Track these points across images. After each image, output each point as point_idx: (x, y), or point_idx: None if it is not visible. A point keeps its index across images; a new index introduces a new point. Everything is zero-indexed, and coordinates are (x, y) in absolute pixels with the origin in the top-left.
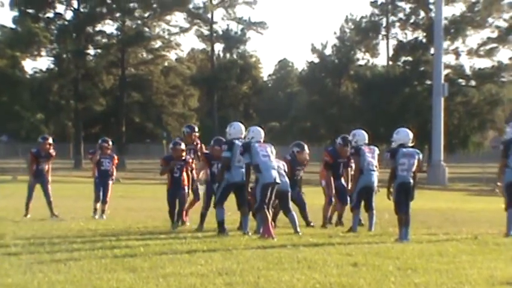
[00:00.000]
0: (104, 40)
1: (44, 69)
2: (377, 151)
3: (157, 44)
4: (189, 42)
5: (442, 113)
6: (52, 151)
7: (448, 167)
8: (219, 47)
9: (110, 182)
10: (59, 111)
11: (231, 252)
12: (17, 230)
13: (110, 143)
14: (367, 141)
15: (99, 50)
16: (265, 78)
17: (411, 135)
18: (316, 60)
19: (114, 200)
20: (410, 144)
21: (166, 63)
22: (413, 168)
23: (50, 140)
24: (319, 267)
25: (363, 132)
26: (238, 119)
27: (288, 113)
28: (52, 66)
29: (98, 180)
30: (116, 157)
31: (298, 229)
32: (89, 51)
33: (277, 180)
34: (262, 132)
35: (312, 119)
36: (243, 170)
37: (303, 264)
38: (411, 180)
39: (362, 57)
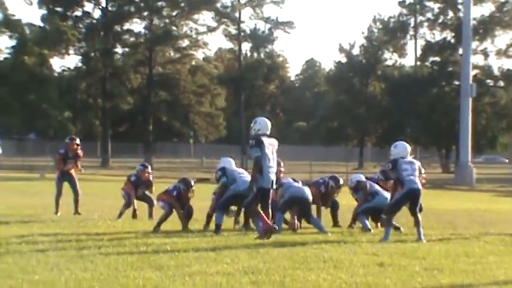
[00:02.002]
0: (132, 39)
1: (71, 67)
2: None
3: (185, 43)
4: (217, 42)
5: (470, 113)
6: (80, 151)
7: (476, 167)
8: (246, 47)
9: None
10: (87, 110)
11: (257, 251)
12: (45, 228)
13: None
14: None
15: (126, 49)
16: (292, 78)
17: (409, 148)
18: (344, 60)
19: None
20: (409, 158)
21: (193, 62)
22: (417, 174)
23: (78, 141)
24: (345, 267)
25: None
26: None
27: (315, 113)
28: (80, 64)
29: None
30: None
31: (325, 229)
32: (116, 49)
33: (274, 186)
34: (269, 124)
35: (339, 118)
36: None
37: (329, 263)
38: (420, 187)
39: (390, 57)
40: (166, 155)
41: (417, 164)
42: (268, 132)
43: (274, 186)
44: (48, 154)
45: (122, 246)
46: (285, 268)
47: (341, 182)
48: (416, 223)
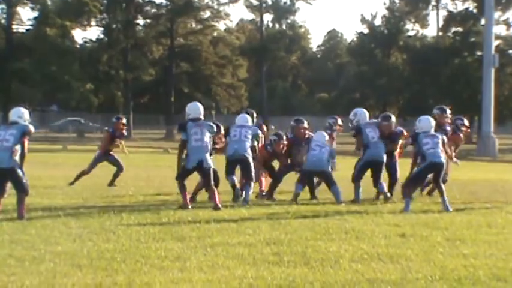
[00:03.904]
0: (153, 10)
1: (93, 39)
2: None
3: (207, 14)
4: (238, 13)
5: (492, 84)
6: (124, 131)
7: (498, 138)
8: (268, 18)
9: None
10: (109, 82)
11: (279, 222)
12: (67, 199)
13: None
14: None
15: (148, 20)
16: (314, 49)
17: (433, 123)
18: (366, 31)
19: (163, 170)
20: (433, 132)
21: (215, 34)
22: (440, 147)
23: (124, 120)
24: (367, 238)
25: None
26: (286, 90)
27: (336, 84)
28: (102, 36)
29: None
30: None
31: (341, 199)
32: (138, 21)
33: (205, 165)
34: (201, 109)
35: (360, 90)
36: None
37: (351, 234)
38: (443, 160)
39: (412, 28)
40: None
41: (441, 137)
42: (201, 117)
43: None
44: (70, 126)
45: (143, 218)
46: (307, 239)
47: (392, 117)
48: (441, 193)
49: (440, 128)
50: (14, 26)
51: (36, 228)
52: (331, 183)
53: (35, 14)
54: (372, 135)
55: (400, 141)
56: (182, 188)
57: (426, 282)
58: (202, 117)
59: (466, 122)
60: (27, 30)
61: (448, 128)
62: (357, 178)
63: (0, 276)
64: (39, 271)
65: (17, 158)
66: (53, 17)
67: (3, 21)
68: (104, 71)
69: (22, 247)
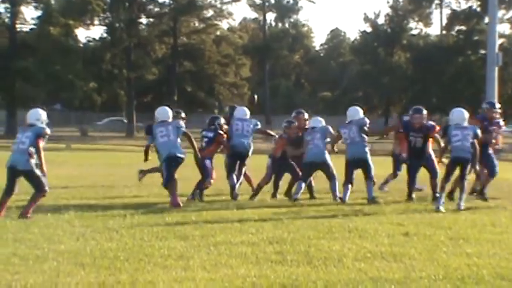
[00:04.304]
0: (156, 9)
1: (96, 38)
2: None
3: (210, 13)
4: (241, 12)
5: (496, 82)
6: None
7: (503, 137)
8: (271, 16)
9: None
10: (112, 80)
11: (282, 221)
12: (70, 198)
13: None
14: None
15: (151, 19)
16: (317, 48)
17: (466, 115)
18: (369, 29)
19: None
20: (465, 124)
21: (218, 33)
22: (469, 140)
23: (183, 114)
24: (370, 237)
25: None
26: (289, 88)
27: (339, 83)
28: (105, 35)
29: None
30: None
31: (338, 194)
32: (141, 20)
33: (178, 155)
34: (169, 112)
35: (363, 88)
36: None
37: (354, 233)
38: (467, 155)
39: (415, 27)
40: (191, 125)
41: (472, 129)
42: (169, 120)
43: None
44: (74, 124)
45: (147, 217)
46: (310, 238)
47: (423, 111)
48: (461, 190)
49: (489, 122)
50: (17, 25)
51: (40, 227)
52: (331, 176)
53: (39, 13)
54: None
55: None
56: (172, 187)
57: (429, 281)
58: (170, 120)
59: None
60: (30, 29)
61: (502, 122)
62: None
63: (4, 275)
64: (43, 270)
65: (33, 160)
66: (57, 16)
67: (6, 20)
68: (107, 70)
69: (25, 246)
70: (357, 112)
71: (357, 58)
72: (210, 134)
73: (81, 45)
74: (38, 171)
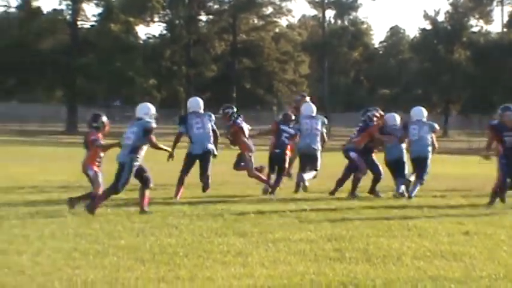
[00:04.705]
0: (216, 6)
1: (156, 35)
2: None
3: (269, 10)
4: (300, 9)
5: None
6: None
7: None
8: (330, 14)
9: None
10: (171, 77)
11: (341, 218)
12: (130, 193)
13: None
14: None
15: (211, 16)
16: (376, 45)
17: None
18: (429, 27)
19: (223, 166)
20: None
21: (277, 30)
22: None
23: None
24: (430, 235)
25: None
26: (348, 86)
27: (398, 80)
28: (165, 32)
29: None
30: None
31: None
32: (200, 17)
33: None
34: (201, 103)
35: (423, 86)
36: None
37: (413, 231)
38: None
39: (476, 24)
40: (249, 123)
41: None
42: (199, 110)
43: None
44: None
45: (206, 213)
46: (368, 236)
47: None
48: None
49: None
50: (78, 22)
51: (100, 223)
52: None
53: (100, 10)
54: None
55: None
56: (181, 180)
57: (490, 280)
58: (202, 111)
59: None
60: (91, 26)
61: None
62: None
63: (65, 270)
64: (103, 265)
65: (137, 155)
66: (117, 13)
67: (68, 17)
68: (166, 67)
69: (86, 241)
70: (421, 112)
71: (417, 56)
72: (291, 131)
73: (141, 42)
74: (130, 167)
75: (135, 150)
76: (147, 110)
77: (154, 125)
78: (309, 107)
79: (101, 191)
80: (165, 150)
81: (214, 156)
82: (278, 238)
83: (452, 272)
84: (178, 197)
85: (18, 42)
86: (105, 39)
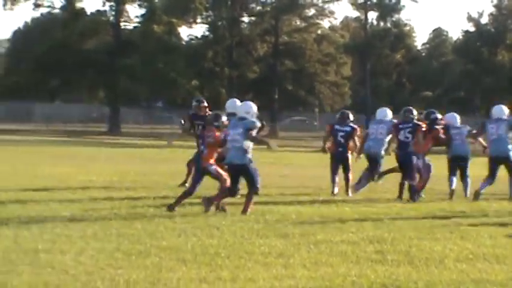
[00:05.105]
0: (258, 8)
1: (199, 36)
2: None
3: (311, 11)
4: (343, 10)
5: None
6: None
7: None
8: (373, 15)
9: None
10: (213, 78)
11: (382, 220)
12: (172, 194)
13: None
14: None
15: (253, 18)
16: (419, 47)
17: None
18: (472, 29)
19: (267, 167)
20: None
21: (319, 31)
22: None
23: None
24: (472, 238)
25: None
26: (391, 88)
27: (441, 83)
28: (207, 33)
29: None
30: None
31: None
32: (243, 18)
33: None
34: (238, 104)
35: (465, 88)
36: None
37: (456, 234)
38: None
39: None
40: (291, 124)
41: None
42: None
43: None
44: (175, 122)
45: (247, 215)
46: (411, 238)
47: None
48: None
49: None
50: (121, 23)
51: (142, 223)
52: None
53: (143, 11)
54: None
55: None
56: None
57: None
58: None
59: None
60: (134, 27)
61: None
62: None
63: (107, 269)
64: (145, 265)
65: (249, 155)
66: (160, 14)
67: (111, 18)
68: (208, 68)
69: (128, 241)
70: (502, 110)
71: (459, 58)
72: (347, 129)
73: (184, 43)
74: (253, 166)
75: (247, 150)
76: (249, 109)
77: (258, 124)
78: (383, 112)
79: (227, 183)
80: (266, 143)
81: None
82: (320, 240)
83: (494, 275)
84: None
85: (62, 43)
86: (148, 40)
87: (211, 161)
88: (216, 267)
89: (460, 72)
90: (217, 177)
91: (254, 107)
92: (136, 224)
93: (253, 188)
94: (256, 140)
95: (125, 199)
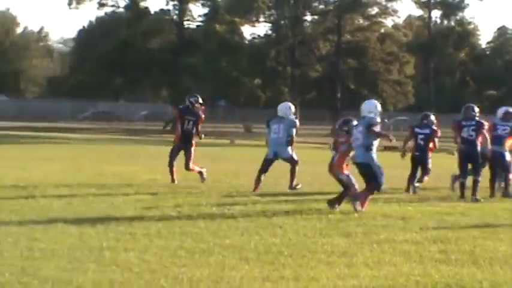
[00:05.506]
0: (321, 6)
1: (261, 35)
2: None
3: (374, 10)
4: (406, 9)
5: None
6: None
7: None
8: (436, 14)
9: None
10: (276, 77)
11: (446, 220)
12: (234, 193)
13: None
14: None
15: (315, 17)
16: (483, 46)
17: None
18: None
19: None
20: None
21: (382, 30)
22: None
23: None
24: None
25: None
26: (454, 87)
27: (506, 81)
28: (270, 32)
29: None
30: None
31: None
32: (306, 17)
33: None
34: (282, 107)
35: None
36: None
37: None
38: None
39: None
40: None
41: None
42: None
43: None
44: (238, 121)
45: (309, 213)
46: (475, 237)
47: None
48: None
49: None
50: (185, 22)
51: (205, 221)
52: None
53: (206, 10)
54: None
55: None
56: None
57: None
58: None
59: None
60: (197, 26)
61: None
62: None
63: (171, 268)
64: (209, 263)
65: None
66: (223, 13)
67: (175, 17)
68: (271, 67)
69: (192, 239)
70: None
71: None
72: (427, 131)
73: (247, 42)
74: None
75: (369, 147)
76: (373, 108)
77: (378, 119)
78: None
79: (354, 189)
80: (387, 136)
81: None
82: (382, 239)
83: None
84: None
85: (126, 42)
86: (211, 39)
87: (343, 167)
88: (279, 266)
89: None
90: (347, 185)
91: (378, 106)
92: (199, 223)
93: (374, 185)
94: (379, 135)
95: (188, 197)
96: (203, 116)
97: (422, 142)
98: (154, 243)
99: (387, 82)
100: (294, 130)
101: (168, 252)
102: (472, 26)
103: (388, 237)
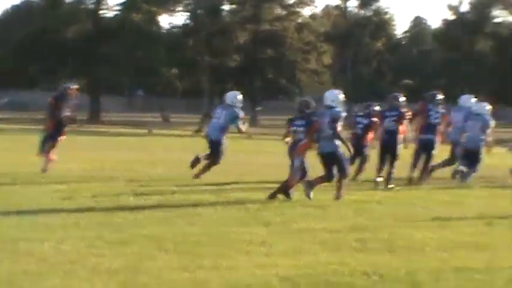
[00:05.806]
0: None
1: (179, 24)
2: None
3: (292, 0)
4: None
5: None
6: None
7: None
8: (353, 3)
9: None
10: (194, 67)
11: (363, 209)
12: (152, 182)
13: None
14: None
15: (233, 6)
16: (399, 36)
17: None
18: (452, 17)
19: (250, 155)
20: None
21: (300, 20)
22: None
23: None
24: (452, 226)
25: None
26: (371, 76)
27: (421, 71)
28: (187, 21)
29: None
30: None
31: None
32: (223, 7)
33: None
34: (230, 95)
35: (446, 77)
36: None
37: (436, 222)
38: None
39: (499, 15)
40: (272, 112)
41: None
42: (227, 101)
43: None
44: (156, 110)
45: (228, 202)
46: (391, 226)
47: None
48: None
49: None
50: (101, 11)
51: (123, 212)
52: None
53: None
54: None
55: None
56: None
57: None
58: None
59: None
60: (114, 15)
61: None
62: None
63: (89, 258)
64: (127, 253)
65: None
66: (140, 2)
67: (91, 6)
68: (189, 57)
69: (110, 230)
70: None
71: (440, 46)
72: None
73: (164, 31)
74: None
75: (335, 138)
76: (335, 98)
77: (344, 114)
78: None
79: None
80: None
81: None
82: (301, 228)
83: (475, 263)
84: None
85: (41, 30)
86: (128, 28)
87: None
88: (198, 256)
89: (440, 61)
90: (294, 173)
91: (341, 96)
92: (117, 213)
93: (343, 173)
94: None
95: (105, 187)
96: (76, 102)
97: (360, 131)
98: (71, 234)
99: (305, 72)
100: (239, 121)
101: (86, 243)
102: (388, 16)
103: (307, 225)
